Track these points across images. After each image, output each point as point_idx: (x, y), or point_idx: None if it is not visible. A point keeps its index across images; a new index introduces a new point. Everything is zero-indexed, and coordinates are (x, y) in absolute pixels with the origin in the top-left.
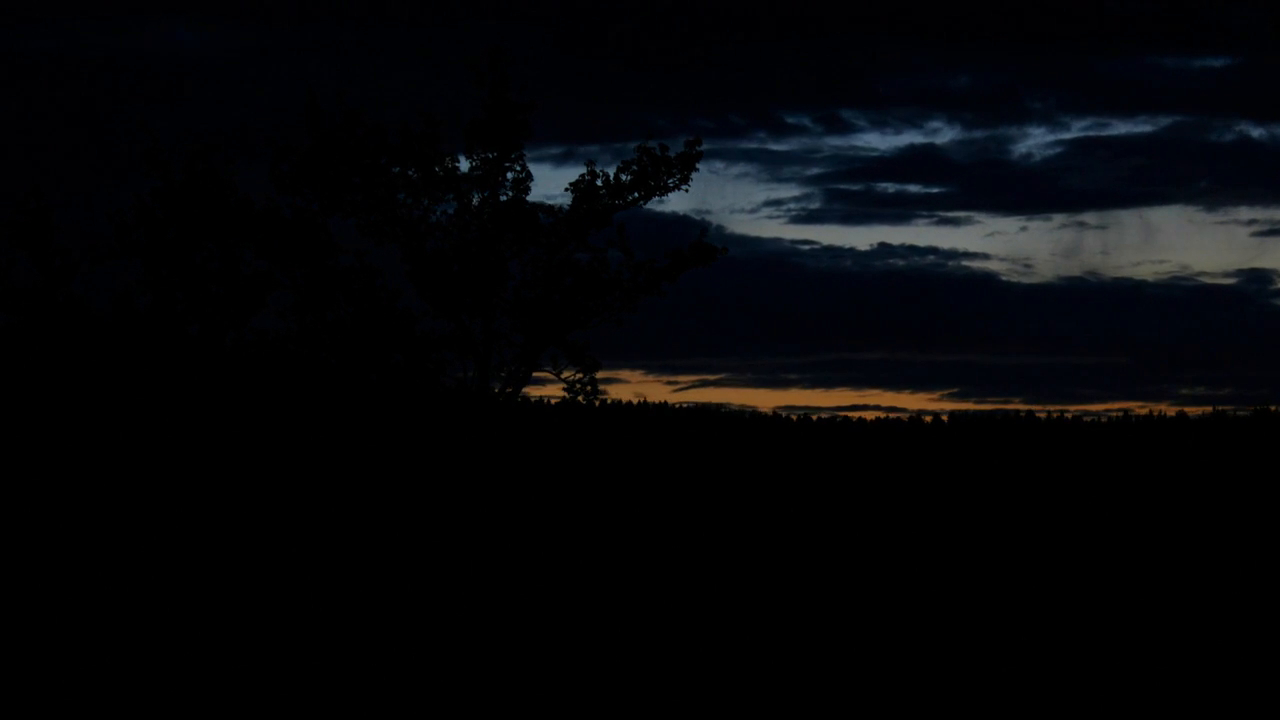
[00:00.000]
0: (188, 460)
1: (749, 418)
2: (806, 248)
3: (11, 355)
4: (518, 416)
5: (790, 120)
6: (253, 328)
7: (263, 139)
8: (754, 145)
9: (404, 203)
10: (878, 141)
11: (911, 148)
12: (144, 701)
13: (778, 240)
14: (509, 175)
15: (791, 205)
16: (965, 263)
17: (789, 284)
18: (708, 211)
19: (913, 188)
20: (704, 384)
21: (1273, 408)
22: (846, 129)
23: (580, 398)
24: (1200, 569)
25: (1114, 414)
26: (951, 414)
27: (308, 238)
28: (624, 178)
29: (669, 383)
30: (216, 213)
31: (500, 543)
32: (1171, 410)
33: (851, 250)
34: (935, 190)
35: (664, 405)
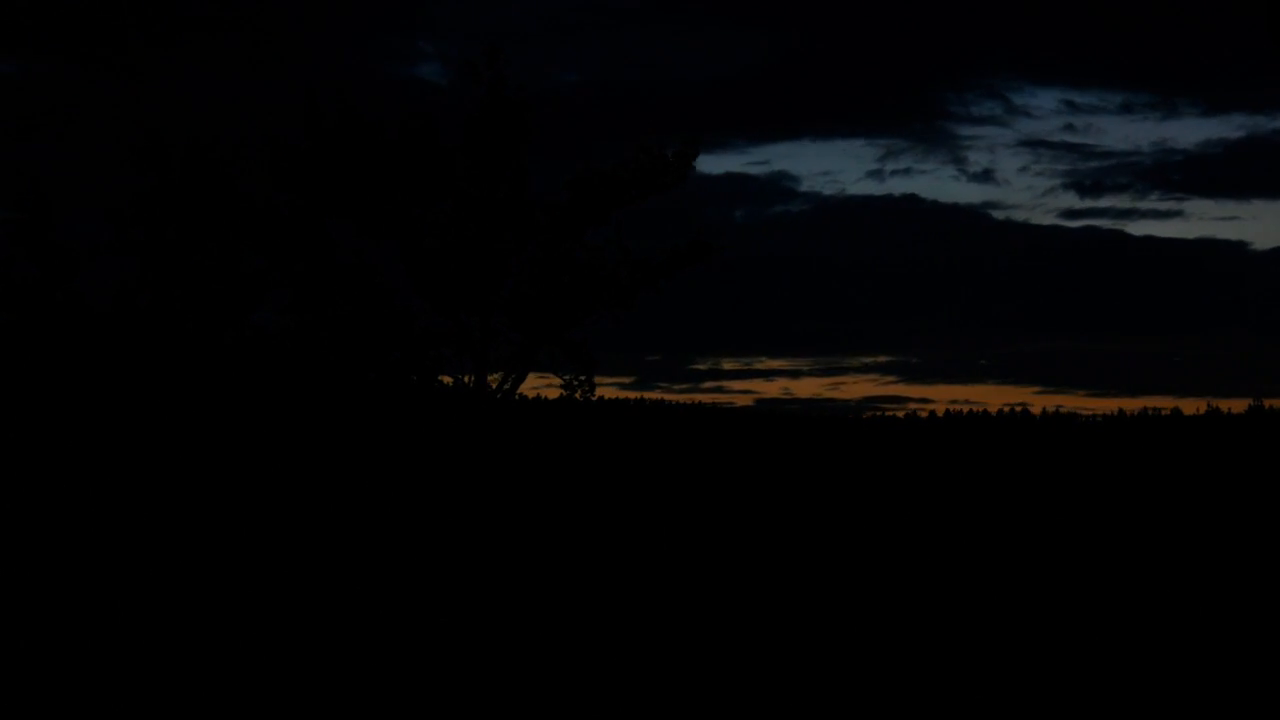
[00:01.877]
0: (187, 456)
1: (739, 415)
2: (1089, 238)
3: (11, 352)
4: (514, 413)
5: (1113, 104)
6: (251, 325)
7: (261, 137)
8: (1065, 137)
9: (402, 200)
10: (1205, 130)
11: (1246, 139)
12: (143, 700)
13: (1060, 229)
14: (507, 173)
15: (1103, 195)
16: (1246, 253)
17: (1053, 274)
18: (995, 205)
19: (1227, 177)
20: (902, 379)
21: (1268, 403)
22: (1177, 115)
23: (578, 394)
24: (1182, 567)
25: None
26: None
27: (306, 235)
28: (620, 176)
29: (870, 376)
30: (215, 210)
31: (496, 538)
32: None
33: (1136, 239)
34: (1252, 179)
35: (660, 402)
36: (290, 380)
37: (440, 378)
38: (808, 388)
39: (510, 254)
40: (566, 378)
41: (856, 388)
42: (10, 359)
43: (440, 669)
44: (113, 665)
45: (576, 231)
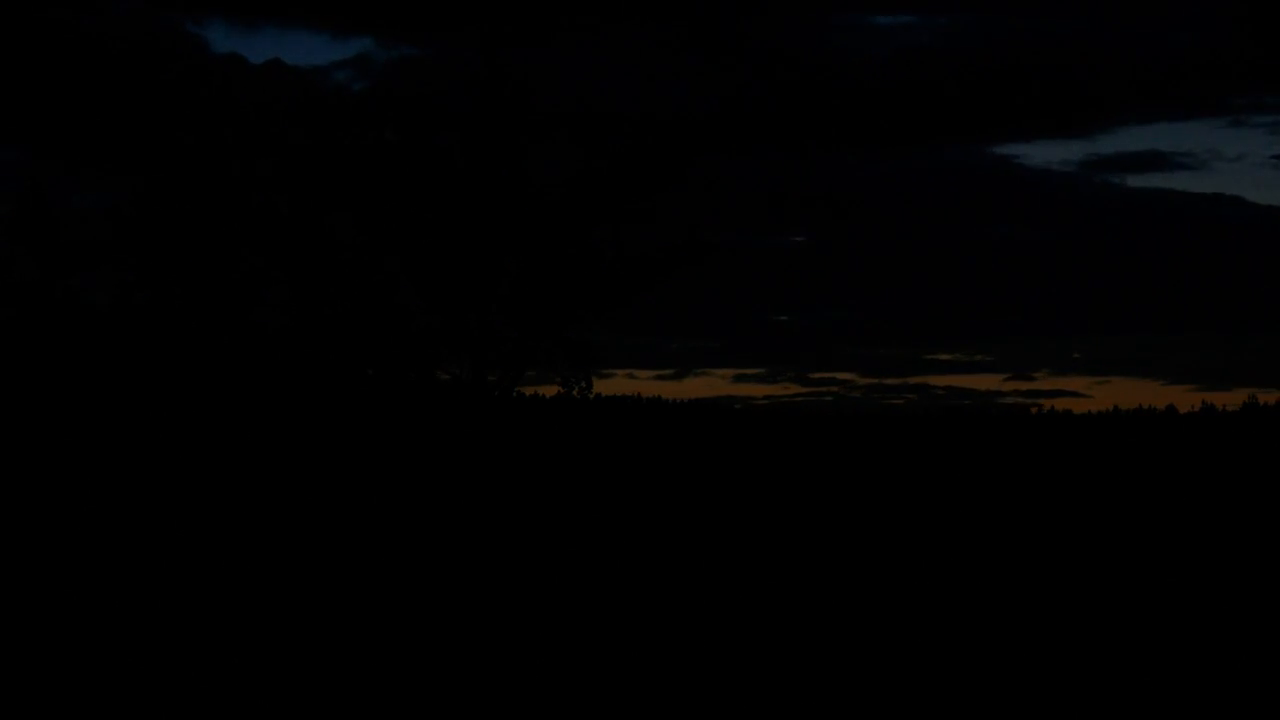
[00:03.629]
0: (185, 453)
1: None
2: None
3: (11, 349)
4: (511, 411)
5: None
6: (250, 322)
7: (262, 136)
8: None
9: (399, 198)
10: None
11: None
12: (142, 700)
13: None
14: (504, 172)
15: None
16: None
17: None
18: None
19: None
20: (1055, 373)
21: (1262, 399)
22: None
23: (575, 391)
24: (1172, 569)
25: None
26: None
27: (305, 234)
28: (618, 174)
29: (1041, 371)
30: (214, 209)
31: (493, 534)
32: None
33: None
34: None
35: (658, 399)
36: (289, 377)
37: (438, 374)
38: (989, 383)
39: (508, 252)
40: (564, 375)
41: (1019, 383)
42: (10, 356)
43: (437, 667)
44: (112, 664)
45: (574, 229)
